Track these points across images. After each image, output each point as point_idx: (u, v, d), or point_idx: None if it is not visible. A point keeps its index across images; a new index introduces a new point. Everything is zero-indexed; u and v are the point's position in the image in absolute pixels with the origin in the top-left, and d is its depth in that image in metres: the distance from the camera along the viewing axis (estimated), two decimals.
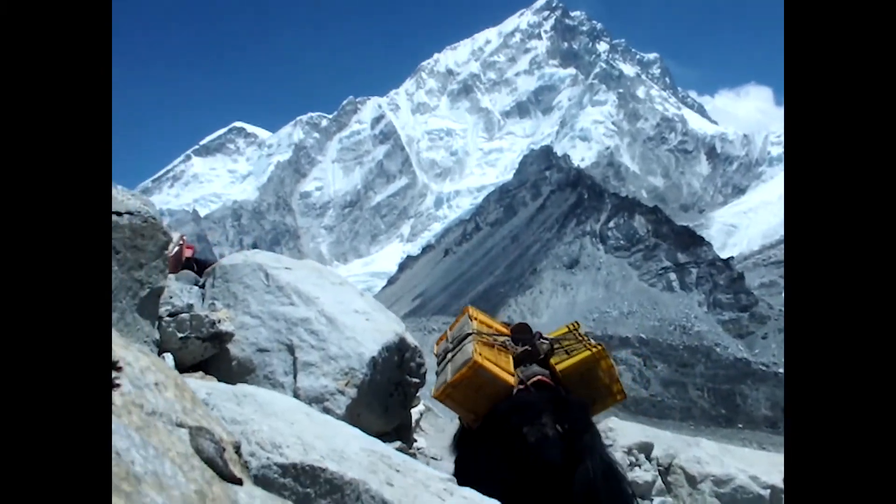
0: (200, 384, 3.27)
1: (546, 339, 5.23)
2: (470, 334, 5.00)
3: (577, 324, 5.50)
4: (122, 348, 2.00)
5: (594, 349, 4.97)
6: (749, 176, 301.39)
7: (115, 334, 2.08)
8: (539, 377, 4.81)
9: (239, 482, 2.07)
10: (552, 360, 5.02)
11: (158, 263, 4.49)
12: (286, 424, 2.83)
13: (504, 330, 5.35)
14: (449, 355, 5.08)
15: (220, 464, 2.02)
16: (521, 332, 5.29)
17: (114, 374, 1.85)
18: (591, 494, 4.10)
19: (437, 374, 5.12)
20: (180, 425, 2.01)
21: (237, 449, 2.26)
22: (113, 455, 1.56)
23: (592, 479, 4.11)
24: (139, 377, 1.99)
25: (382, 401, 5.49)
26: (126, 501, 1.48)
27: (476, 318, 5.37)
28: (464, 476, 4.33)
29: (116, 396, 1.82)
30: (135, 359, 2.01)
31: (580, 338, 5.19)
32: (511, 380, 4.69)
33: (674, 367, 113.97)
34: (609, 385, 5.02)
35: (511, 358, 5.01)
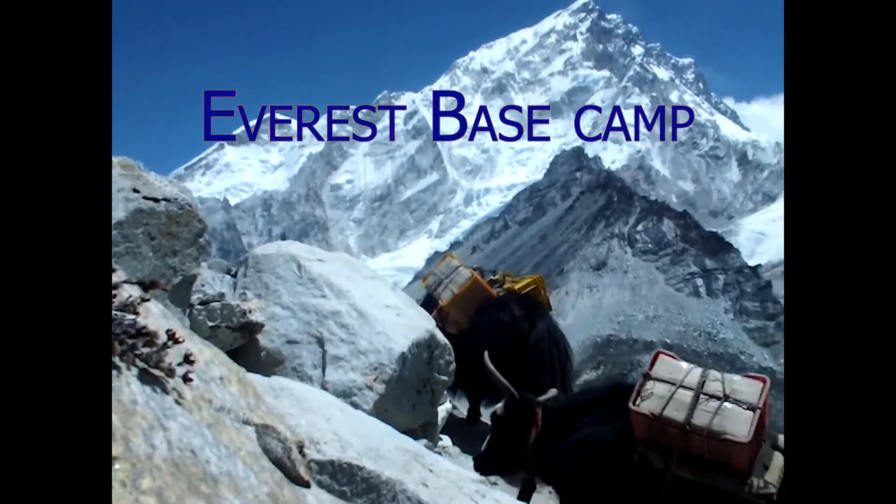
0: None
1: (496, 273, 8.51)
2: (459, 266, 8.20)
3: (510, 273, 8.79)
4: (188, 339, 1.95)
5: (536, 278, 8.27)
6: (780, 184, 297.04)
7: (177, 323, 2.03)
8: (507, 290, 7.89)
9: (307, 485, 2.04)
10: (506, 285, 8.03)
11: (192, 251, 4.47)
12: (323, 420, 2.76)
13: (472, 268, 8.36)
14: (445, 280, 8.08)
15: (287, 465, 1.99)
16: (481, 270, 8.51)
17: (186, 367, 1.81)
18: (540, 344, 7.19)
19: (436, 295, 8.05)
20: (246, 422, 1.97)
21: (301, 448, 2.22)
22: (188, 453, 1.52)
23: (540, 337, 7.23)
24: (205, 370, 1.94)
25: (410, 397, 5.45)
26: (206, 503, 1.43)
27: (456, 259, 8.61)
28: (463, 353, 6.78)
29: (186, 391, 1.78)
30: (199, 351, 1.95)
31: (519, 278, 8.43)
32: (493, 292, 7.83)
33: None
34: (544, 300, 8.14)
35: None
